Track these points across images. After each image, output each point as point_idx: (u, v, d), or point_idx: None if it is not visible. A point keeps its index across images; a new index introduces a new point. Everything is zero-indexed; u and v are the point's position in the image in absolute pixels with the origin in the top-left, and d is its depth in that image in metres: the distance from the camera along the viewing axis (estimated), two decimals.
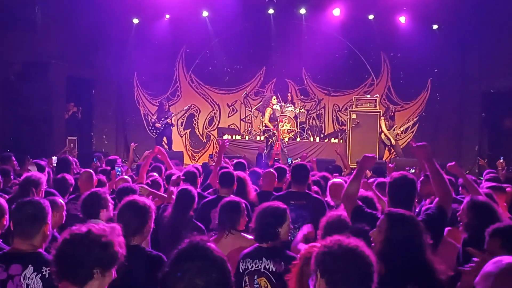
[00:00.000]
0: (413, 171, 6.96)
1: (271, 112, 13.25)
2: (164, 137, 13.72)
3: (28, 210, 2.94)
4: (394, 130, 13.13)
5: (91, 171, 5.38)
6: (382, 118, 13.24)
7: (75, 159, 7.76)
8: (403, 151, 13.44)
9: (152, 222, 3.24)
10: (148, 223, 3.17)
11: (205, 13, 14.98)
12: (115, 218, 3.22)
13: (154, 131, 13.73)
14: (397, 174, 3.65)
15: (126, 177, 5.63)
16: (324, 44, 14.79)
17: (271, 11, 15.02)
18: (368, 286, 1.99)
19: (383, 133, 13.13)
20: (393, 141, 13.15)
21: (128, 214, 3.10)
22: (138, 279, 2.87)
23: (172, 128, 14.11)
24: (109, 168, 7.09)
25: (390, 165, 7.79)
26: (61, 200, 3.94)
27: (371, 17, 14.78)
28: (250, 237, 3.68)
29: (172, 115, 13.95)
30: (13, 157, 7.23)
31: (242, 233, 3.84)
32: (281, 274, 3.06)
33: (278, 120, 13.00)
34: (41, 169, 6.11)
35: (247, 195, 4.92)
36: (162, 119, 13.61)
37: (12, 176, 5.98)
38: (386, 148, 13.58)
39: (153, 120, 14.05)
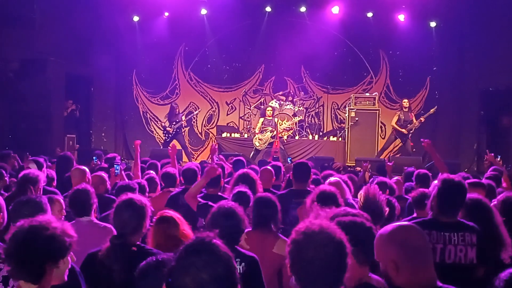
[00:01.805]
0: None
1: (264, 121, 13.42)
2: (174, 140, 13.59)
3: (25, 212, 2.93)
4: (410, 123, 13.01)
5: (83, 168, 5.20)
6: (398, 112, 13.23)
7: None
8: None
9: (149, 220, 3.23)
10: (145, 221, 3.16)
11: (203, 11, 14.96)
12: (111, 217, 3.20)
13: (167, 135, 13.76)
14: (447, 178, 3.35)
15: (103, 175, 5.28)
16: (323, 42, 14.75)
17: (268, 9, 15.01)
18: (337, 278, 1.93)
19: (396, 127, 12.98)
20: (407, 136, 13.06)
21: (126, 213, 3.07)
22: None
23: (183, 129, 14.31)
24: (106, 166, 7.06)
25: (388, 163, 7.80)
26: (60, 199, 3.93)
27: (369, 15, 14.77)
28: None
29: (181, 116, 13.95)
30: (14, 154, 7.22)
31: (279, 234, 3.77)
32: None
33: (275, 123, 13.11)
34: (39, 166, 6.09)
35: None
36: (174, 123, 13.61)
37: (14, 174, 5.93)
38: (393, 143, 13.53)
39: (163, 125, 14.08)
